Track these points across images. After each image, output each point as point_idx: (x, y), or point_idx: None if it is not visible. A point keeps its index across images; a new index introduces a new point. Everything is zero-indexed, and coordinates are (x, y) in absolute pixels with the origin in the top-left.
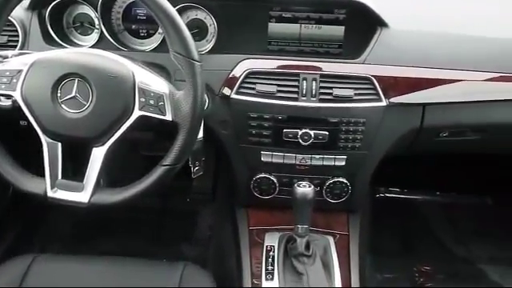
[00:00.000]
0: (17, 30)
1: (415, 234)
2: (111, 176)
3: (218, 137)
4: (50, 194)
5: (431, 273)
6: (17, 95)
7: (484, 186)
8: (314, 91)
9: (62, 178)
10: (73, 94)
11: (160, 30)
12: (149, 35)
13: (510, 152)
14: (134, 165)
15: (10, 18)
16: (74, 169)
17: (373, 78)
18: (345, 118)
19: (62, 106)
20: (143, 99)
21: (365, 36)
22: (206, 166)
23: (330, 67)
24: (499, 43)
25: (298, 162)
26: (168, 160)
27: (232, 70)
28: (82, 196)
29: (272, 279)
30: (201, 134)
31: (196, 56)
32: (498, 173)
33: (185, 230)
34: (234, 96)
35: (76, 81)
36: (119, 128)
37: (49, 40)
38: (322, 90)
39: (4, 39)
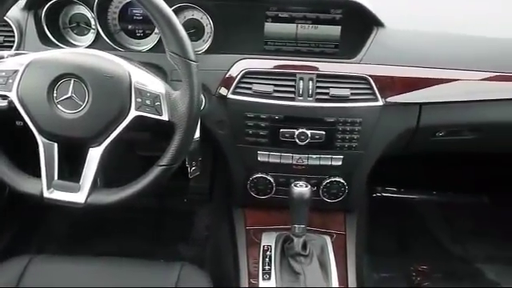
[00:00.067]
0: (13, 31)
1: (412, 234)
2: (108, 176)
3: (215, 137)
4: (46, 194)
5: (428, 272)
6: (13, 95)
7: (480, 185)
8: (310, 91)
9: (59, 178)
10: (69, 95)
11: (156, 30)
12: (145, 35)
13: (507, 151)
14: (130, 165)
15: (5, 18)
16: (71, 169)
17: (369, 78)
18: (341, 117)
19: (58, 106)
20: (139, 99)
21: (361, 36)
22: (202, 166)
23: (327, 67)
24: (495, 43)
25: (294, 162)
26: (164, 160)
27: (229, 70)
28: (79, 196)
29: (269, 279)
30: (197, 134)
31: (192, 56)
32: (495, 172)
33: (182, 230)
34: (230, 96)
35: (72, 81)
36: (115, 128)
37: (45, 40)
38: (319, 90)
39: (0, 39)
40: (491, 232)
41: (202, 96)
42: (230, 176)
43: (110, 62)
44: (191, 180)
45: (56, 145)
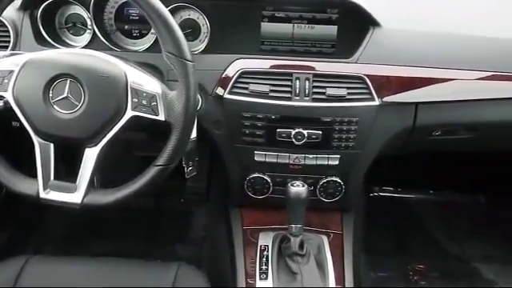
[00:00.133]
0: (8, 31)
1: (409, 233)
2: (105, 176)
3: (212, 137)
4: (42, 195)
5: (425, 271)
6: (8, 96)
7: (477, 185)
8: (307, 91)
9: (55, 178)
10: (65, 95)
11: (153, 30)
12: (141, 35)
13: (502, 150)
14: (127, 165)
15: (1, 18)
16: (67, 170)
17: (365, 78)
18: (338, 117)
19: (54, 106)
20: (136, 99)
21: (357, 35)
22: (199, 166)
23: (323, 67)
24: (491, 42)
25: (291, 162)
26: (161, 160)
27: (225, 70)
28: (75, 197)
29: (266, 279)
30: (194, 134)
31: (188, 56)
32: (491, 172)
33: (179, 231)
34: (227, 96)
35: (68, 81)
36: (112, 128)
37: (41, 40)
38: (315, 90)
39: None
40: (488, 231)
41: (199, 96)
42: (227, 176)
43: (105, 62)
44: (188, 180)
45: (52, 145)
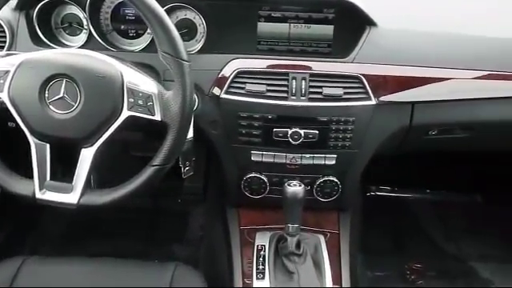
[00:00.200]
0: (4, 31)
1: (406, 232)
2: (102, 177)
3: (208, 137)
4: (38, 195)
5: (422, 270)
6: (4, 96)
7: (474, 184)
8: (303, 90)
9: (51, 179)
10: (61, 95)
11: (149, 30)
12: (138, 35)
13: (499, 149)
14: (124, 165)
15: None
16: (63, 170)
17: (362, 77)
18: (334, 116)
19: (50, 106)
20: (132, 99)
21: (354, 35)
22: (196, 166)
23: (320, 66)
24: (488, 42)
25: (288, 162)
26: (157, 160)
27: (221, 70)
28: (71, 197)
29: (263, 278)
30: (191, 134)
31: (184, 56)
32: (488, 171)
33: (176, 231)
34: (223, 96)
35: (64, 81)
36: (108, 128)
37: (37, 41)
38: (312, 89)
39: None
40: (484, 230)
41: (195, 96)
42: (224, 176)
43: (102, 62)
44: (185, 180)
45: (48, 145)
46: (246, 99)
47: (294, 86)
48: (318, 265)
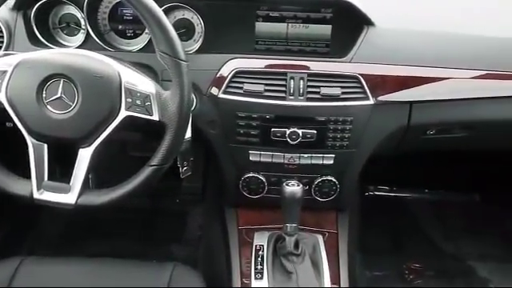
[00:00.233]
0: (1, 31)
1: (404, 232)
2: (100, 177)
3: (207, 137)
4: (36, 195)
5: (421, 270)
6: (1, 96)
7: (472, 184)
8: (301, 90)
9: (49, 179)
10: (58, 95)
11: (147, 30)
12: (135, 35)
13: (497, 148)
14: (122, 166)
15: None
16: (61, 170)
17: (360, 77)
18: (332, 116)
19: (48, 106)
20: (130, 99)
21: (352, 35)
22: (194, 166)
23: (318, 66)
24: (486, 41)
25: (286, 161)
26: (155, 160)
27: (219, 70)
28: (69, 197)
29: (261, 278)
30: (189, 134)
31: (182, 55)
32: (486, 170)
33: (174, 231)
34: (221, 96)
35: (61, 81)
36: (105, 129)
37: (34, 41)
38: (310, 89)
39: None
40: (483, 230)
41: (193, 96)
42: (222, 176)
43: (99, 62)
44: (184, 180)
45: (46, 145)
46: (244, 99)
47: (291, 86)
48: (316, 265)
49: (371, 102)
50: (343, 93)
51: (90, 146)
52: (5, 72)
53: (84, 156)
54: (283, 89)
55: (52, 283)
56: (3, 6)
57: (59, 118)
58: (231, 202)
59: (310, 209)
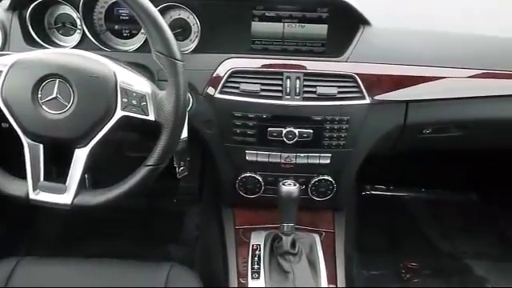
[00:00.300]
0: None
1: (401, 231)
2: (97, 177)
3: (203, 136)
4: (32, 196)
5: (418, 269)
6: None
7: (468, 183)
8: (297, 90)
9: (45, 179)
10: (54, 95)
11: (143, 30)
12: (132, 35)
13: (492, 147)
14: (120, 166)
15: None
16: (57, 170)
17: (356, 76)
18: (329, 116)
19: (43, 106)
20: (125, 99)
21: (348, 34)
22: (191, 166)
23: (314, 65)
24: (482, 41)
25: (282, 161)
26: (151, 160)
27: (216, 70)
28: (65, 198)
29: (258, 278)
30: (185, 134)
31: (178, 55)
32: (482, 169)
33: (172, 231)
34: (217, 95)
35: (57, 81)
36: (101, 129)
37: (30, 41)
38: (306, 89)
39: None
40: (479, 229)
41: (190, 96)
42: (219, 175)
43: (95, 62)
44: (181, 180)
45: (41, 146)
46: (241, 99)
47: (288, 86)
48: (313, 264)
49: (367, 101)
50: (339, 92)
51: (85, 146)
52: (0, 72)
53: (80, 156)
54: (279, 88)
55: (49, 284)
56: None
57: (55, 118)
58: (228, 201)
59: (307, 208)
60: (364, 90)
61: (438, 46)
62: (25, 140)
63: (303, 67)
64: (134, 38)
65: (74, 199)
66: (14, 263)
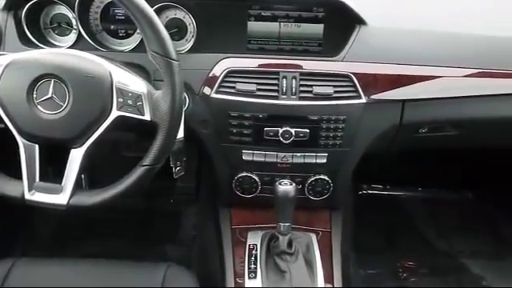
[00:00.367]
0: None
1: (398, 230)
2: (94, 177)
3: (199, 136)
4: (27, 196)
5: (414, 267)
6: None
7: (465, 182)
8: (293, 89)
9: (40, 180)
10: (49, 95)
11: (139, 30)
12: (127, 35)
13: (488, 146)
14: (115, 166)
15: None
16: (53, 171)
17: (352, 76)
18: (325, 115)
19: (38, 107)
20: (121, 99)
21: (344, 34)
22: (188, 166)
23: (310, 65)
24: (478, 40)
25: (279, 160)
26: (147, 160)
27: (212, 69)
28: (61, 198)
29: (255, 278)
30: (181, 134)
31: (174, 55)
32: (479, 168)
33: (169, 231)
34: (214, 95)
35: (52, 81)
36: (97, 129)
37: (25, 41)
38: (302, 88)
39: None
40: (476, 227)
41: (186, 95)
42: (215, 175)
43: (90, 61)
44: (177, 180)
45: (37, 146)
46: (237, 98)
47: (284, 85)
48: (309, 263)
49: (364, 100)
50: (336, 92)
51: (81, 146)
52: None
53: (75, 156)
54: (276, 88)
55: (45, 284)
56: None
57: (50, 119)
58: (225, 201)
59: (304, 208)
60: (360, 90)
61: (434, 45)
62: (20, 140)
63: (299, 67)
64: (130, 38)
65: (69, 199)
66: (10, 264)
